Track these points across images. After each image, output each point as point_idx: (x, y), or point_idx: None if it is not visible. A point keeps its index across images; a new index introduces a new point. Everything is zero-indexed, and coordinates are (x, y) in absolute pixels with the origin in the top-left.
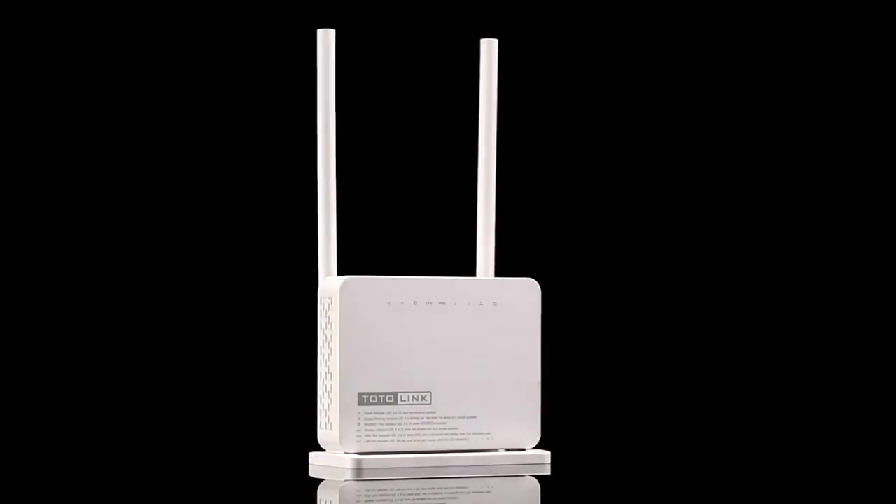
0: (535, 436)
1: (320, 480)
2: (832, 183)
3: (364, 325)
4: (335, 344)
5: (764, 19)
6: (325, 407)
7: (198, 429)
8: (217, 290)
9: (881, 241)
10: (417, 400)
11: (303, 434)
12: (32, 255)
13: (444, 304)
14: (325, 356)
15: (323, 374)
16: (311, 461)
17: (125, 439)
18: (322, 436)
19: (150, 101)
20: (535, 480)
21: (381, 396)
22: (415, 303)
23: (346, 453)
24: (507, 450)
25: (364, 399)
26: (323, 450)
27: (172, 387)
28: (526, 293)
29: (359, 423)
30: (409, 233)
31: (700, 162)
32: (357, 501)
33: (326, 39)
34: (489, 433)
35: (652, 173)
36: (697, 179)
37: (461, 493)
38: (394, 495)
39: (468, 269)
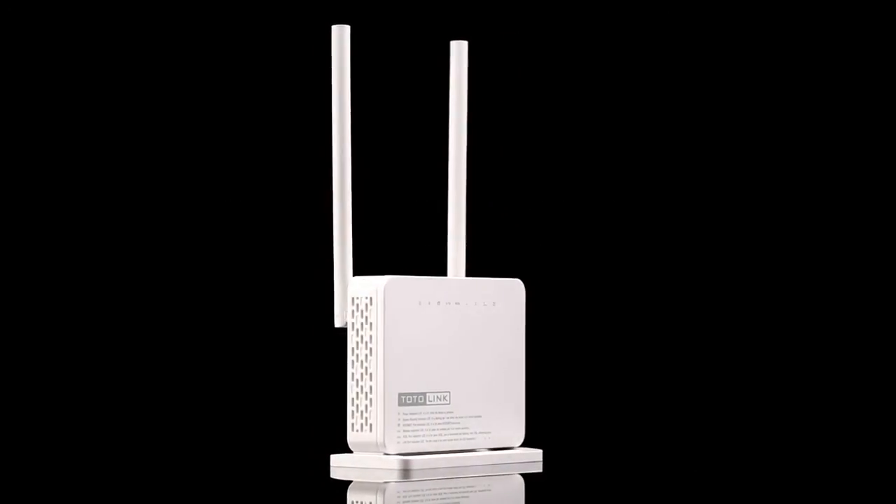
0: (521, 434)
1: (345, 483)
2: (811, 185)
3: (402, 325)
4: (377, 344)
5: (739, 22)
6: (362, 408)
7: (208, 440)
8: (208, 291)
9: (866, 241)
10: (441, 400)
11: (301, 436)
12: (48, 262)
13: (458, 304)
14: (362, 357)
15: (358, 376)
16: (334, 463)
17: (132, 444)
18: (355, 437)
19: (159, 101)
20: (524, 478)
21: (415, 397)
22: (438, 303)
23: (385, 454)
24: (491, 449)
25: (402, 400)
26: (349, 451)
27: (173, 391)
28: (512, 293)
29: (398, 424)
30: (386, 233)
31: (676, 158)
32: (407, 502)
33: (341, 35)
34: (490, 432)
35: (626, 172)
36: (673, 176)
37: (471, 491)
38: (423, 495)
39: (440, 268)
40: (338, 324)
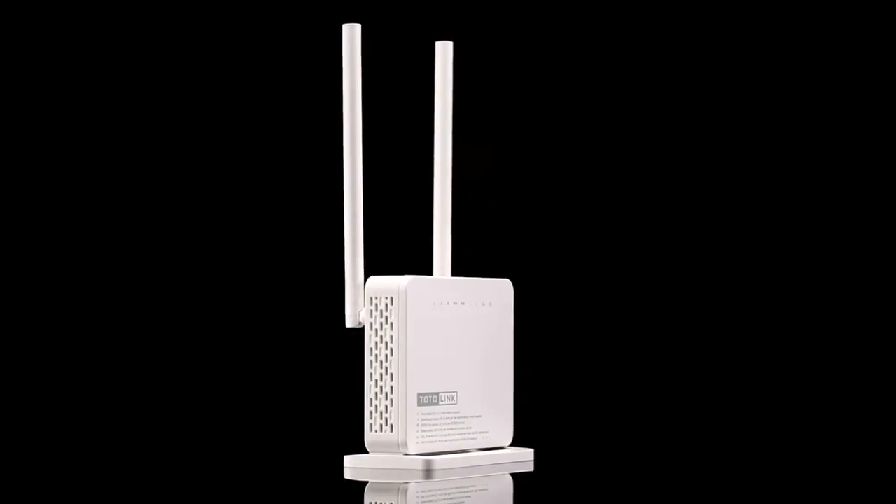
0: (510, 434)
1: (358, 483)
2: (801, 188)
3: (420, 326)
4: (399, 344)
5: (732, 22)
6: (381, 409)
7: (219, 441)
8: (214, 290)
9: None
10: (450, 400)
11: (312, 437)
12: (62, 263)
13: (463, 304)
14: (381, 356)
15: (377, 376)
16: (350, 464)
17: (140, 443)
18: (374, 438)
19: (169, 100)
20: (523, 477)
21: (430, 397)
22: (447, 303)
23: (405, 455)
24: (482, 449)
25: (420, 400)
26: (362, 452)
27: (182, 392)
28: (502, 293)
29: (418, 424)
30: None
31: (663, 157)
32: (432, 502)
33: (352, 34)
34: (487, 431)
35: (612, 171)
36: (659, 175)
37: (473, 491)
38: (436, 495)
39: (425, 267)
40: (349, 324)
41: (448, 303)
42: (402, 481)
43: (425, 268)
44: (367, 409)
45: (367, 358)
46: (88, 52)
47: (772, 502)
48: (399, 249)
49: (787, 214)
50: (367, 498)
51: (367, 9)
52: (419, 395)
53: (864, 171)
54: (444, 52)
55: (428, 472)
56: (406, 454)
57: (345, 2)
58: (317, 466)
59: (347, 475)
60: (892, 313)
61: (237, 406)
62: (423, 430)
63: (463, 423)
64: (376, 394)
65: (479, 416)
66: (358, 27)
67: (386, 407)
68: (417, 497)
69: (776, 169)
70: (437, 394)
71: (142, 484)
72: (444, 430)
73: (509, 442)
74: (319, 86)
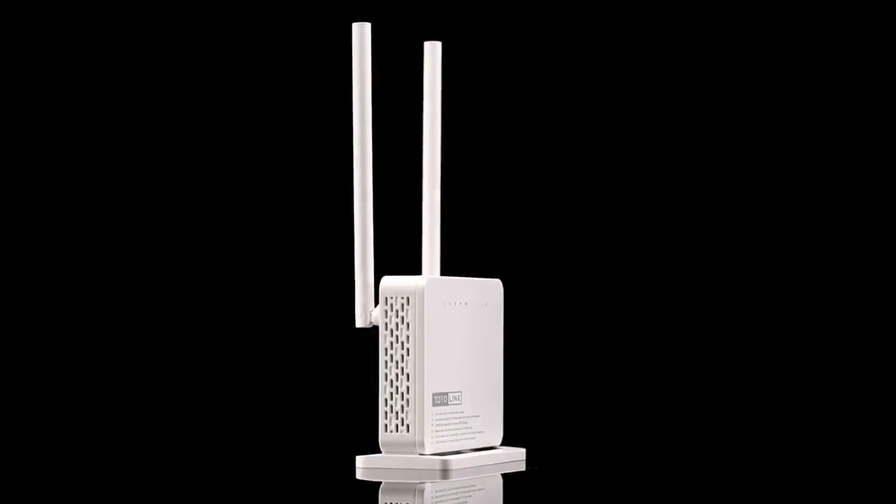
0: (500, 433)
1: (372, 483)
2: (787, 188)
3: (434, 326)
4: (416, 344)
5: (722, 22)
6: (397, 409)
7: (227, 443)
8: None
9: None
10: (457, 400)
11: (322, 437)
12: (74, 264)
13: (466, 304)
14: (397, 357)
15: (393, 376)
16: (362, 464)
17: (149, 443)
18: (389, 438)
19: (177, 100)
20: (516, 476)
21: (442, 397)
22: (453, 303)
23: (421, 454)
24: (475, 449)
25: (434, 400)
26: (372, 452)
27: (187, 394)
28: (493, 293)
29: (432, 425)
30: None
31: (651, 157)
32: (449, 501)
33: (362, 33)
34: (483, 431)
35: (601, 171)
36: (647, 175)
37: (473, 490)
38: (445, 495)
39: (414, 267)
40: (360, 324)
41: (454, 303)
42: (418, 481)
43: (413, 267)
44: (382, 409)
45: (382, 358)
46: (99, 53)
47: (766, 501)
48: (388, 249)
49: (782, 213)
50: (381, 498)
51: (364, 8)
52: (434, 395)
53: (864, 171)
54: (432, 52)
55: (445, 472)
56: (422, 454)
57: (337, 2)
58: (327, 467)
59: (360, 475)
60: (893, 313)
61: (246, 407)
62: (436, 430)
63: (466, 422)
64: (391, 394)
65: (478, 416)
66: (368, 26)
67: (402, 407)
68: (433, 497)
69: (769, 166)
70: (446, 394)
71: (153, 484)
72: (452, 430)
73: (499, 441)
74: (324, 86)
